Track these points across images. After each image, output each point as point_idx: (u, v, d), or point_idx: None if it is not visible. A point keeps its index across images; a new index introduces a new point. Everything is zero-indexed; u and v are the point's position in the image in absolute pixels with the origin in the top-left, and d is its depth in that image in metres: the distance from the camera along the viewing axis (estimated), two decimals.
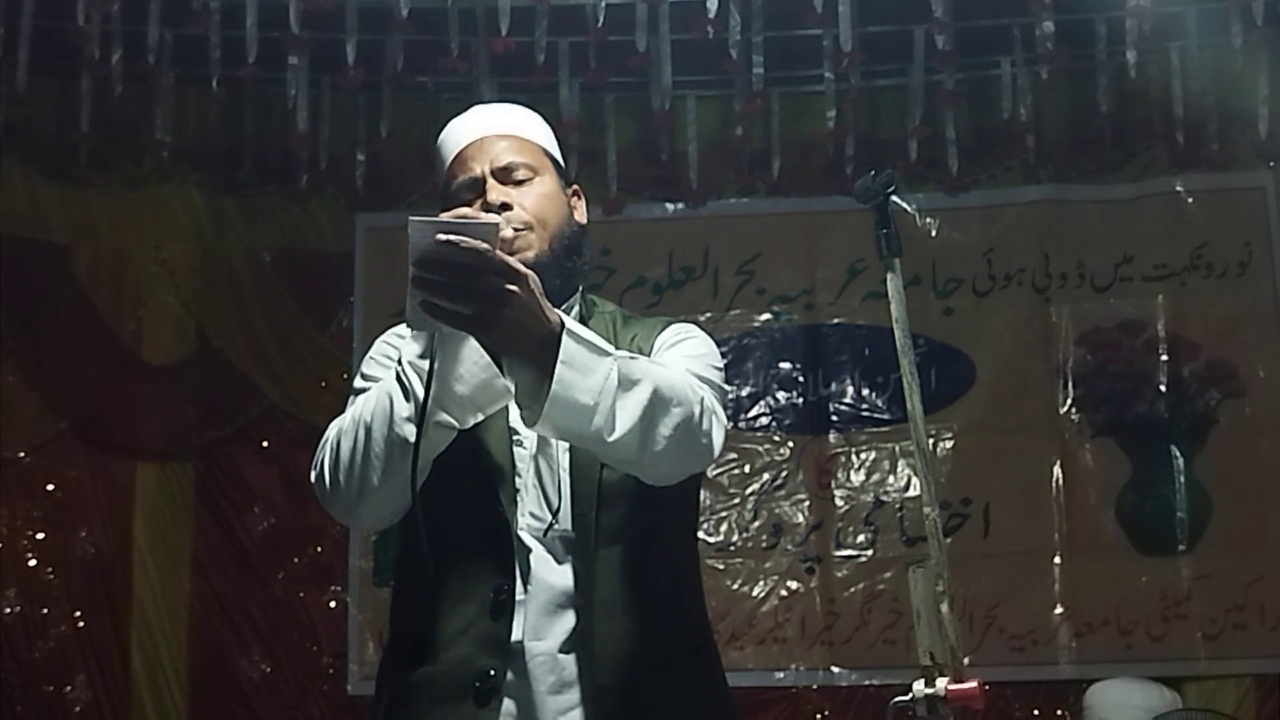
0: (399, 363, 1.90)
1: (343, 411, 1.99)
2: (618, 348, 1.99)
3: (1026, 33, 4.69)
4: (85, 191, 4.91)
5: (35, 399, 4.82)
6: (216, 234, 5.02)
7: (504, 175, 2.08)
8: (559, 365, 1.75)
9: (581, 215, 2.16)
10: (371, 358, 2.07)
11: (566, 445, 1.99)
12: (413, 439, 1.83)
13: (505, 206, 2.03)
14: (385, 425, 1.88)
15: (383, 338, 2.11)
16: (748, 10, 4.55)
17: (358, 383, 2.05)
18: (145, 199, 4.97)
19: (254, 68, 4.52)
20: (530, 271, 1.77)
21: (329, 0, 4.40)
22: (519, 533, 1.97)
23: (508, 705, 1.92)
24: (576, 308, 2.14)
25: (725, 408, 2.06)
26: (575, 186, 2.19)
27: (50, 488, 4.81)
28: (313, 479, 1.98)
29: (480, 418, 1.93)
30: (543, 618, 1.95)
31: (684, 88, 4.83)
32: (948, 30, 4.53)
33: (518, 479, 2.00)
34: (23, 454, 4.80)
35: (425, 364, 1.85)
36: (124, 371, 4.90)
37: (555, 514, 1.97)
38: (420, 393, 1.85)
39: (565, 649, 1.94)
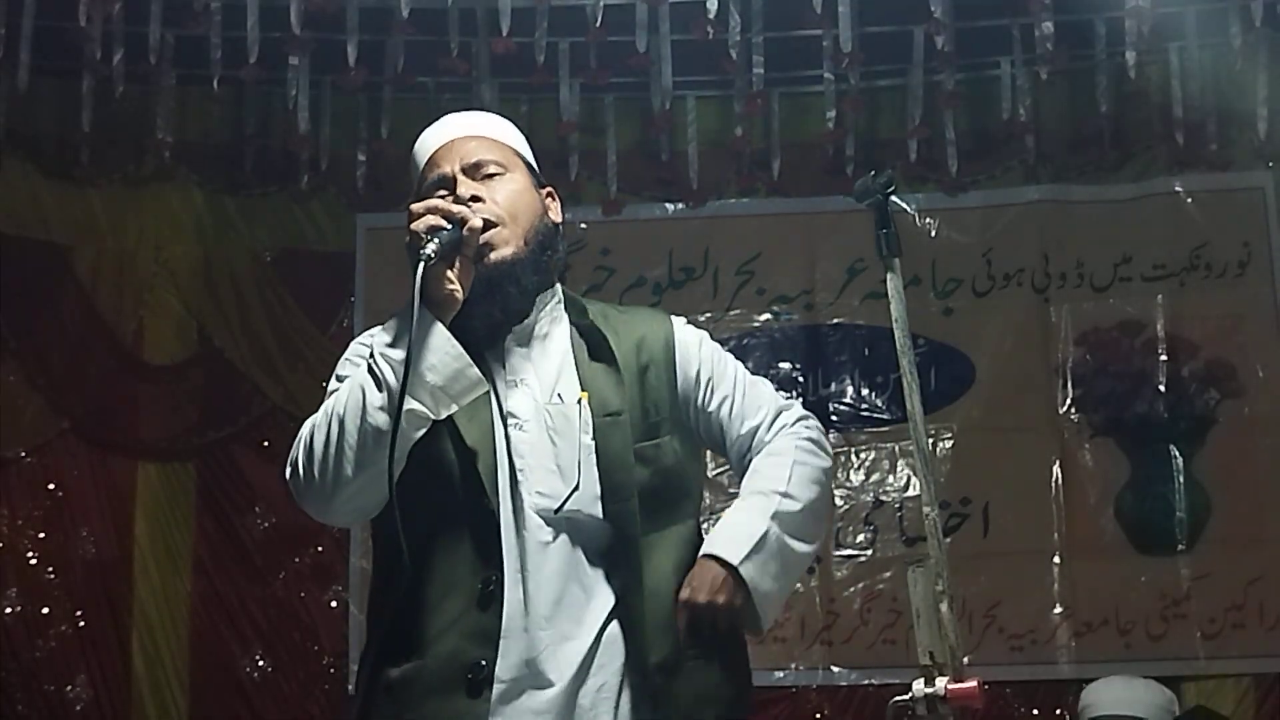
0: (371, 354, 1.94)
1: None
2: (620, 352, 2.10)
3: (1026, 33, 4.69)
4: (86, 192, 4.91)
5: (36, 399, 4.82)
6: (217, 234, 5.02)
7: (474, 171, 2.11)
8: (755, 600, 2.00)
9: (555, 215, 2.19)
10: (346, 359, 2.10)
11: (590, 430, 2.03)
12: (386, 428, 1.87)
13: (475, 199, 2.05)
14: (358, 416, 1.91)
15: (357, 339, 2.14)
16: (748, 10, 4.55)
17: (331, 384, 2.07)
18: (146, 199, 4.97)
19: (255, 68, 4.53)
20: (697, 600, 1.99)
21: (330, 1, 4.41)
22: (521, 515, 1.99)
23: (498, 694, 1.93)
24: (559, 305, 2.17)
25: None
26: (549, 188, 2.21)
27: (51, 487, 4.81)
28: (287, 476, 2.02)
29: (455, 408, 1.96)
30: (550, 605, 1.96)
31: (684, 88, 4.83)
32: (947, 30, 4.53)
33: (517, 460, 2.01)
34: (24, 453, 4.80)
35: (397, 353, 1.90)
36: (125, 371, 4.91)
37: (575, 490, 1.99)
38: (393, 380, 1.89)
39: (578, 636, 1.96)
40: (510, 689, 1.93)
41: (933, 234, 4.95)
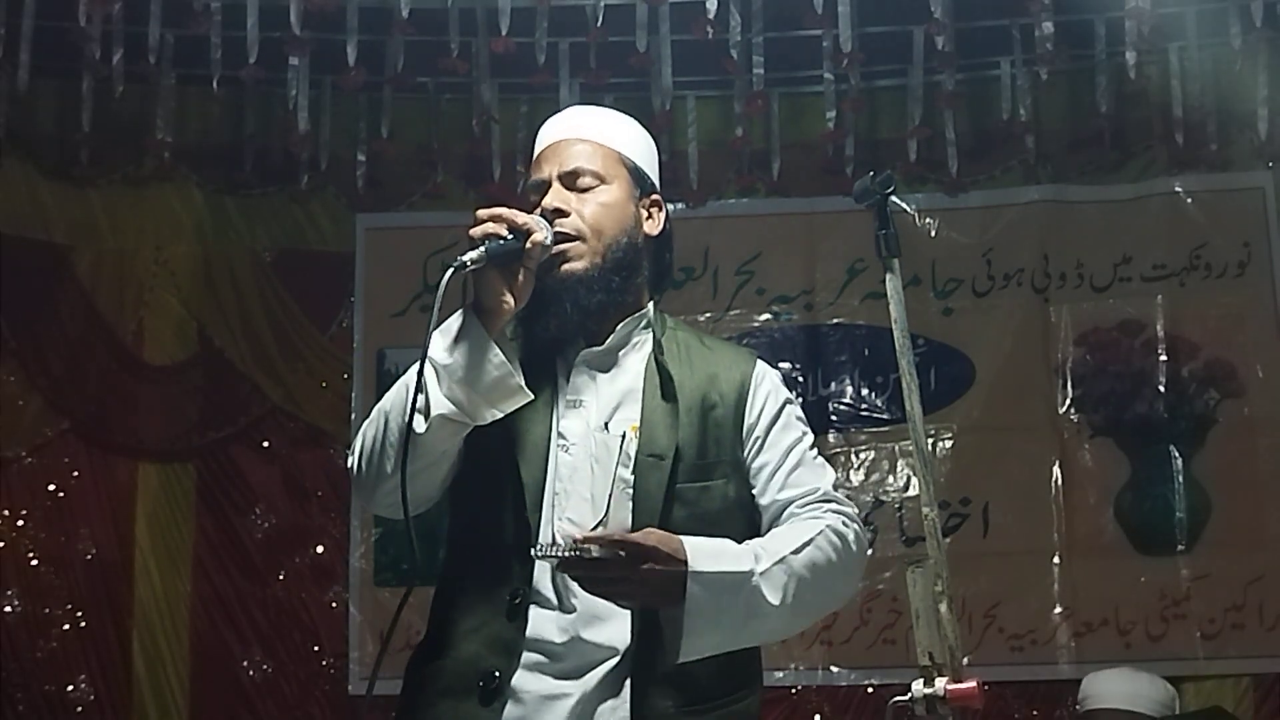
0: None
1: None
2: (687, 388, 2.05)
3: (1026, 33, 4.69)
4: (86, 192, 4.91)
5: (36, 399, 4.82)
6: (217, 234, 5.02)
7: (570, 180, 2.10)
8: (684, 625, 1.86)
9: (654, 227, 2.18)
10: None
11: (630, 464, 2.00)
12: (420, 429, 1.89)
13: (558, 212, 2.05)
14: (401, 413, 1.93)
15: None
16: (748, 10, 4.56)
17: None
18: (146, 199, 4.97)
19: (255, 68, 4.53)
20: (643, 542, 1.86)
21: (330, 1, 4.41)
22: (557, 537, 1.97)
23: (512, 707, 1.93)
24: (645, 330, 2.14)
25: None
26: (656, 197, 2.20)
27: (51, 488, 4.81)
28: (348, 466, 2.05)
29: (497, 415, 1.96)
30: (574, 626, 1.95)
31: (684, 88, 4.83)
32: (947, 31, 4.53)
33: (558, 483, 2.00)
34: (24, 454, 4.80)
35: (442, 358, 1.91)
36: (125, 371, 4.90)
37: (601, 523, 1.95)
38: (431, 384, 1.90)
39: (597, 657, 1.94)
40: (528, 702, 1.93)
41: (933, 234, 4.95)
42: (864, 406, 4.90)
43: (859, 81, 4.77)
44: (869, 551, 4.65)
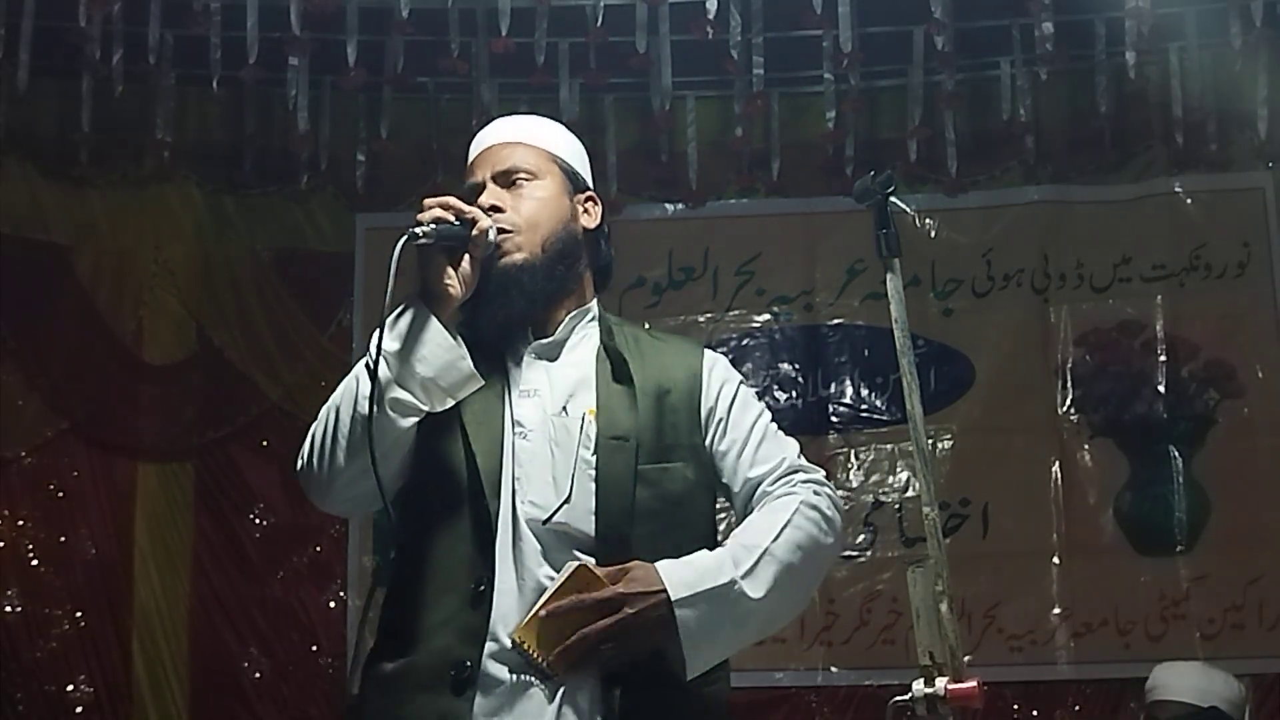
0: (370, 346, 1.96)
1: None
2: (641, 375, 2.09)
3: (1026, 33, 4.70)
4: (86, 192, 4.92)
5: (36, 399, 4.82)
6: (217, 234, 5.02)
7: (503, 179, 2.14)
8: (683, 642, 1.90)
9: (591, 220, 2.20)
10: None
11: (591, 447, 2.02)
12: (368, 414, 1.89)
13: (495, 209, 2.09)
14: (351, 404, 1.94)
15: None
16: (748, 11, 4.56)
17: None
18: (146, 199, 4.97)
19: (254, 68, 4.53)
20: (622, 592, 1.91)
21: (329, 1, 4.41)
22: (518, 522, 1.98)
23: (482, 695, 1.92)
24: (591, 322, 2.17)
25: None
26: (590, 193, 2.22)
27: (51, 488, 4.81)
28: (297, 468, 2.04)
29: (450, 402, 1.99)
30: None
31: (684, 88, 4.84)
32: (947, 31, 4.54)
33: (517, 468, 2.01)
34: (23, 454, 4.80)
35: (388, 345, 1.94)
36: (124, 371, 4.90)
37: (565, 502, 1.98)
38: (381, 370, 1.91)
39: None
40: (501, 690, 1.93)
41: (933, 234, 4.95)
42: (864, 407, 4.90)
43: (859, 81, 4.77)
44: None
